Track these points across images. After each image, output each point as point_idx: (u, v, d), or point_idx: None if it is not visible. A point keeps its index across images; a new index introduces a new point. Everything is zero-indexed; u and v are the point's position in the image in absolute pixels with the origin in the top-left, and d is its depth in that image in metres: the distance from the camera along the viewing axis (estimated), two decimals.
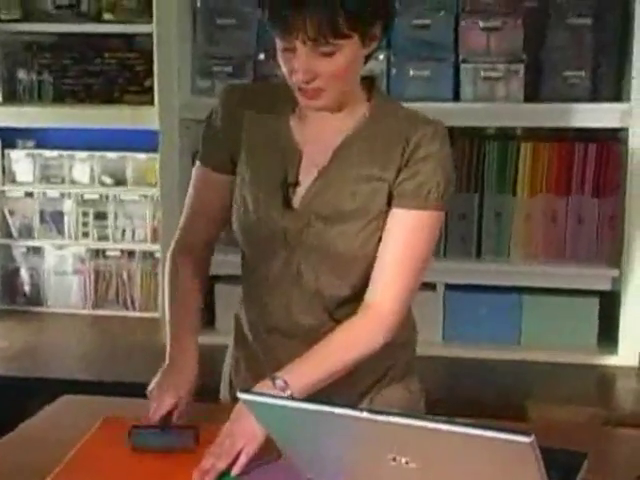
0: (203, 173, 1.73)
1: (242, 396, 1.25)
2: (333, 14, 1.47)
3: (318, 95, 1.56)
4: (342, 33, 1.49)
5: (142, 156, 3.11)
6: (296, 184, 1.62)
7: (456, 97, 2.73)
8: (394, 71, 2.74)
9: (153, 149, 2.90)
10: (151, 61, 2.84)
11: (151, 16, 2.79)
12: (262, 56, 2.80)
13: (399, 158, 1.59)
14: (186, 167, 2.87)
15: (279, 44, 1.55)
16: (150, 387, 1.65)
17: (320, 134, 1.64)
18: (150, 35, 2.81)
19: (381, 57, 2.73)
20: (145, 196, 3.13)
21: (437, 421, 1.07)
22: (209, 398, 1.80)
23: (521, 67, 2.70)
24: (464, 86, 2.73)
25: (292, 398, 1.45)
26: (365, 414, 1.13)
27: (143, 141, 3.01)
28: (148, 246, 3.13)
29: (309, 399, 1.24)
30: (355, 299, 1.63)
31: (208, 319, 2.84)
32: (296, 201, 1.62)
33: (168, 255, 1.77)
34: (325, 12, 1.47)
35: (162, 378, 1.66)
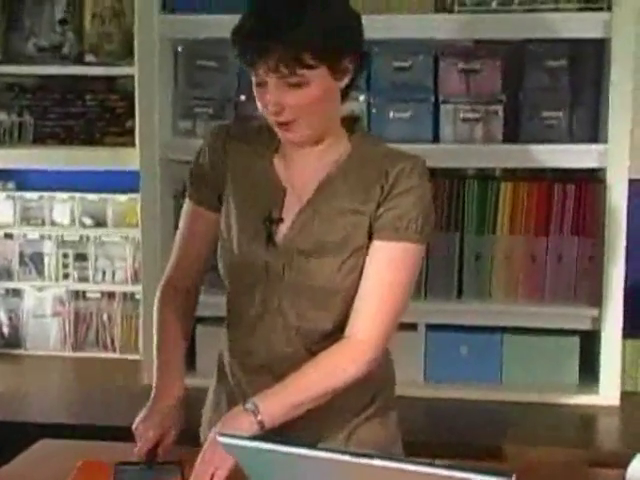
0: (192, 210, 1.76)
1: (221, 439, 1.24)
2: (297, 48, 1.51)
3: (292, 127, 1.58)
4: (306, 64, 1.52)
5: (123, 197, 3.11)
6: (280, 220, 1.64)
7: (436, 138, 2.75)
8: (374, 112, 2.76)
9: (134, 190, 2.90)
10: (132, 103, 2.85)
11: (133, 58, 2.81)
12: (243, 97, 2.81)
13: (378, 192, 1.61)
14: (167, 208, 2.87)
15: (253, 80, 1.58)
16: (135, 424, 1.65)
17: (303, 171, 1.66)
18: (132, 77, 2.83)
19: (361, 98, 2.75)
20: (126, 237, 3.12)
21: (417, 463, 1.07)
22: (190, 441, 1.78)
23: (500, 108, 2.73)
24: (444, 127, 2.75)
25: (264, 435, 1.44)
26: (346, 457, 1.12)
27: (124, 182, 3.01)
28: (129, 287, 3.12)
29: (289, 441, 1.23)
30: (338, 333, 1.63)
31: (189, 361, 2.82)
32: (279, 237, 1.64)
33: (157, 292, 1.79)
34: (289, 43, 1.51)
35: (147, 413, 1.66)
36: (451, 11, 2.70)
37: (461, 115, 2.74)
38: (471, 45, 2.78)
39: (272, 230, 1.64)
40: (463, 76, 2.75)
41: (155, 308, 1.79)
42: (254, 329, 1.67)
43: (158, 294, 1.79)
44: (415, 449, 1.86)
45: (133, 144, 2.88)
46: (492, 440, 2.42)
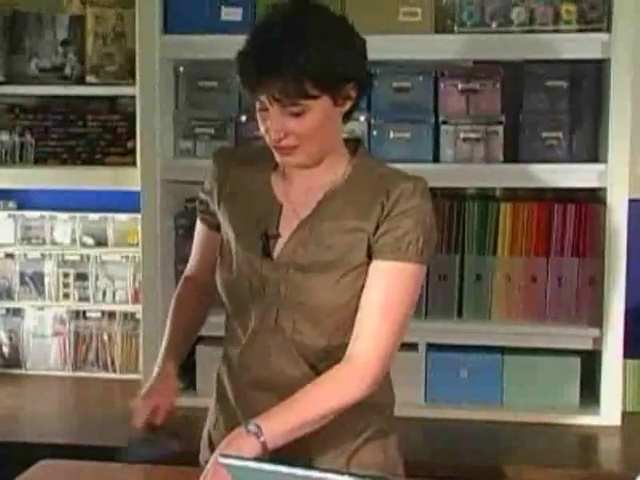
0: (201, 229, 1.84)
1: (222, 460, 1.24)
2: (298, 78, 1.52)
3: (292, 152, 1.61)
4: (308, 94, 1.54)
5: (123, 217, 3.12)
6: (277, 236, 1.65)
7: (436, 158, 2.76)
8: (375, 133, 2.76)
9: (135, 210, 2.90)
10: (133, 123, 2.86)
11: (134, 79, 2.82)
12: (243, 118, 2.83)
13: (379, 211, 1.62)
14: (167, 228, 2.88)
15: (256, 104, 1.60)
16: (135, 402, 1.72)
17: (301, 189, 1.68)
18: (133, 97, 2.84)
19: (362, 119, 2.76)
20: (126, 257, 3.12)
21: None
22: (189, 462, 1.78)
23: (500, 128, 2.73)
24: (444, 148, 2.75)
25: (265, 458, 1.43)
26: (346, 478, 1.12)
27: (125, 202, 3.02)
28: (129, 307, 3.12)
29: (290, 463, 1.23)
30: (334, 351, 1.64)
31: (189, 381, 2.82)
32: (276, 253, 1.65)
33: (180, 282, 1.91)
34: (291, 74, 1.52)
35: (144, 389, 1.73)
36: (451, 32, 2.71)
37: (461, 135, 2.75)
38: (471, 66, 2.79)
39: (269, 245, 1.65)
40: (463, 96, 2.76)
41: (173, 296, 1.88)
42: (252, 345, 1.68)
43: (178, 287, 1.89)
44: (415, 470, 1.86)
45: (134, 164, 2.89)
46: (492, 461, 2.41)
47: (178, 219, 2.91)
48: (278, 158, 1.65)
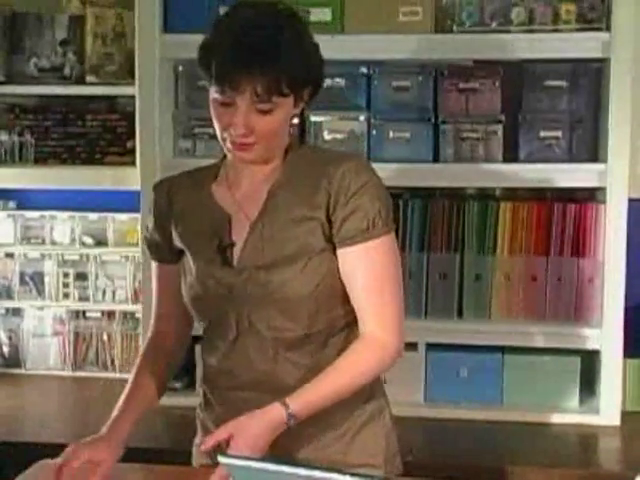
0: (159, 270, 1.83)
1: (222, 459, 1.24)
2: (278, 75, 1.57)
3: (248, 148, 1.63)
4: (282, 92, 1.59)
5: (123, 217, 3.12)
6: (232, 244, 1.68)
7: (435, 158, 2.76)
8: (374, 133, 2.76)
9: (134, 210, 2.90)
10: (133, 123, 2.86)
11: (133, 79, 2.82)
12: None
13: (325, 196, 1.64)
14: None
15: (215, 98, 1.62)
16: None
17: (248, 192, 1.70)
18: (132, 97, 2.84)
19: (362, 119, 2.76)
20: (126, 257, 3.12)
21: None
22: (187, 462, 1.78)
23: (499, 128, 2.73)
24: (443, 147, 2.75)
25: (266, 458, 1.43)
26: (347, 478, 1.12)
27: (124, 202, 3.02)
28: (129, 307, 3.12)
29: (290, 462, 1.22)
30: (314, 337, 1.66)
31: (188, 381, 2.82)
32: (235, 259, 1.67)
33: (146, 340, 1.86)
34: (272, 72, 1.56)
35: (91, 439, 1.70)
36: (450, 31, 2.71)
37: (461, 135, 2.75)
38: (470, 65, 2.79)
39: (227, 255, 1.67)
40: (462, 96, 2.76)
41: (140, 354, 1.85)
42: (231, 351, 1.69)
43: (138, 358, 1.84)
44: (415, 470, 1.86)
45: (134, 164, 2.89)
46: (492, 461, 2.41)
47: None
48: (232, 154, 1.66)
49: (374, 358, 1.64)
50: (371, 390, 1.75)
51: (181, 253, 1.76)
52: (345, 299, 1.67)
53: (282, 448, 1.60)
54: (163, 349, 1.83)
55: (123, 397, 1.77)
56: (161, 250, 1.80)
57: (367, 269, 1.63)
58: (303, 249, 1.64)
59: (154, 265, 1.83)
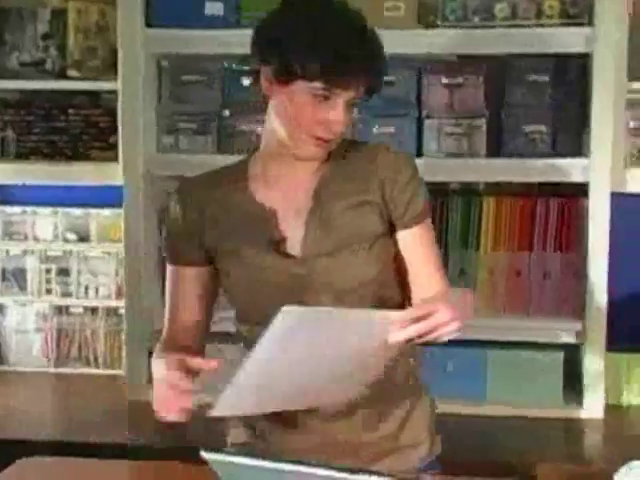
0: (177, 272, 1.74)
1: (206, 455, 1.23)
2: (381, 69, 1.60)
3: (330, 144, 1.63)
4: (381, 87, 1.63)
5: (106, 212, 3.10)
6: (283, 240, 1.65)
7: (419, 153, 2.76)
8: (359, 127, 2.76)
9: (117, 205, 2.89)
10: (116, 118, 2.85)
11: (116, 73, 2.81)
12: (227, 112, 2.82)
13: (377, 181, 1.67)
14: (150, 223, 2.87)
15: (307, 93, 1.57)
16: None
17: (291, 186, 1.68)
18: (115, 92, 2.82)
19: None
20: (109, 252, 3.11)
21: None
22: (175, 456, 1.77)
23: (483, 123, 2.74)
24: (427, 142, 2.75)
25: (251, 452, 1.43)
26: (332, 472, 1.11)
27: (107, 197, 3.00)
28: (112, 303, 3.10)
29: (274, 457, 1.21)
30: None
31: None
32: (295, 250, 1.65)
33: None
34: (377, 68, 1.59)
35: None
36: (434, 26, 2.71)
37: (445, 130, 2.75)
38: (454, 60, 2.79)
39: (282, 248, 1.65)
40: (446, 91, 2.76)
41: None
42: None
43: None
44: None
45: (117, 159, 2.88)
46: (476, 455, 2.42)
47: (161, 214, 2.89)
48: (303, 150, 1.62)
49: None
50: (417, 371, 1.80)
51: (211, 256, 1.71)
52: (393, 283, 1.70)
53: (337, 434, 1.64)
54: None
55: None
56: (188, 253, 1.72)
57: (426, 245, 1.71)
58: (364, 234, 1.65)
59: (174, 269, 1.74)
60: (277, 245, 1.65)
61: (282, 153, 1.67)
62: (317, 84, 1.56)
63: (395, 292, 1.72)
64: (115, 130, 2.90)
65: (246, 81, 2.77)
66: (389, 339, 1.45)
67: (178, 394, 1.47)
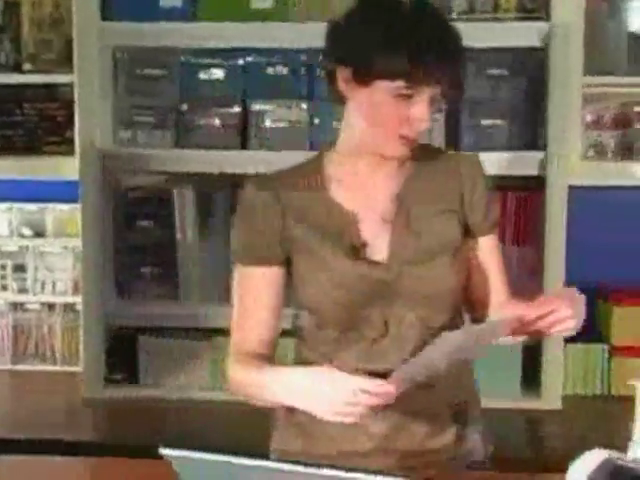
0: (252, 274, 1.66)
1: (165, 452, 1.21)
2: (463, 59, 1.57)
3: (414, 141, 1.59)
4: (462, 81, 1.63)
5: (63, 207, 3.06)
6: (364, 245, 1.62)
7: None
8: (316, 121, 2.76)
9: (74, 200, 2.86)
10: (72, 111, 2.82)
11: (72, 66, 2.77)
12: (185, 107, 2.80)
13: (457, 187, 1.67)
14: (107, 218, 2.84)
15: (388, 93, 1.53)
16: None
17: (372, 190, 1.65)
18: (71, 85, 2.79)
19: (303, 107, 2.75)
20: (66, 247, 3.08)
21: (367, 472, 1.06)
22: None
23: (441, 116, 2.74)
24: None
25: (208, 446, 1.41)
26: (292, 466, 1.11)
27: (64, 192, 2.97)
28: (69, 298, 3.07)
29: (235, 452, 1.20)
30: (445, 331, 1.57)
31: (130, 372, 2.79)
32: (379, 255, 1.62)
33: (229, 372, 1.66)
34: (460, 63, 1.56)
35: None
36: None
37: None
38: None
39: (364, 253, 1.61)
40: None
41: (232, 382, 1.64)
42: (369, 352, 1.62)
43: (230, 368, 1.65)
44: None
45: (73, 153, 2.84)
46: None
47: (118, 209, 2.87)
48: (393, 148, 1.59)
49: None
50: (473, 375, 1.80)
51: (286, 257, 1.65)
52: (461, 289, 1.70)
53: (397, 440, 1.62)
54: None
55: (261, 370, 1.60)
56: (267, 252, 1.64)
57: (499, 250, 1.73)
58: (447, 243, 1.64)
59: (249, 270, 1.65)
60: (359, 250, 1.61)
61: (361, 153, 1.63)
62: (399, 83, 1.52)
63: (460, 298, 1.70)
64: (71, 124, 2.87)
65: (203, 75, 2.80)
66: (508, 337, 1.54)
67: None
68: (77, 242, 2.93)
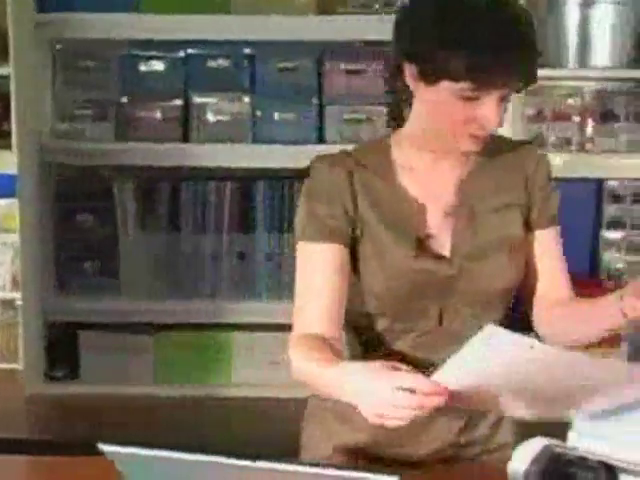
0: (317, 249, 1.59)
1: (105, 448, 1.19)
2: (537, 55, 1.50)
3: (483, 139, 1.54)
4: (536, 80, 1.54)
5: (1, 202, 3.02)
6: (428, 237, 1.59)
7: (321, 139, 2.76)
8: (258, 114, 2.75)
9: (12, 194, 2.82)
10: (8, 104, 2.77)
11: (7, 57, 2.73)
12: (126, 99, 2.78)
13: (522, 179, 1.63)
14: (46, 212, 2.81)
15: (455, 94, 1.48)
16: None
17: (436, 182, 1.62)
18: (7, 77, 2.74)
19: (246, 100, 2.74)
20: (4, 243, 3.03)
21: (313, 465, 1.06)
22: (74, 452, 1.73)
23: (384, 109, 2.75)
24: (329, 128, 2.76)
25: (148, 443, 1.39)
26: (236, 460, 1.10)
27: (1, 186, 2.92)
28: (8, 295, 3.02)
29: (177, 447, 1.18)
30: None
31: (71, 368, 2.76)
32: (442, 249, 1.60)
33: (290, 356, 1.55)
34: (532, 63, 1.49)
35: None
36: (335, 13, 2.71)
37: (345, 116, 2.76)
38: (356, 46, 2.80)
39: (427, 246, 1.58)
40: (347, 77, 2.77)
41: (294, 364, 1.53)
42: (419, 344, 1.59)
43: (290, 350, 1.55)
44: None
45: (10, 147, 2.80)
46: None
47: (58, 203, 2.83)
48: (463, 146, 1.54)
49: None
50: None
51: (353, 236, 1.59)
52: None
53: (438, 430, 1.60)
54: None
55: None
56: (336, 228, 1.57)
57: (560, 242, 1.68)
58: (508, 239, 1.61)
59: (314, 247, 1.58)
60: (423, 242, 1.58)
61: (428, 143, 1.58)
62: (464, 85, 1.46)
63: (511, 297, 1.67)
64: (8, 117, 2.82)
65: (144, 67, 2.77)
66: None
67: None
68: (16, 237, 2.89)
